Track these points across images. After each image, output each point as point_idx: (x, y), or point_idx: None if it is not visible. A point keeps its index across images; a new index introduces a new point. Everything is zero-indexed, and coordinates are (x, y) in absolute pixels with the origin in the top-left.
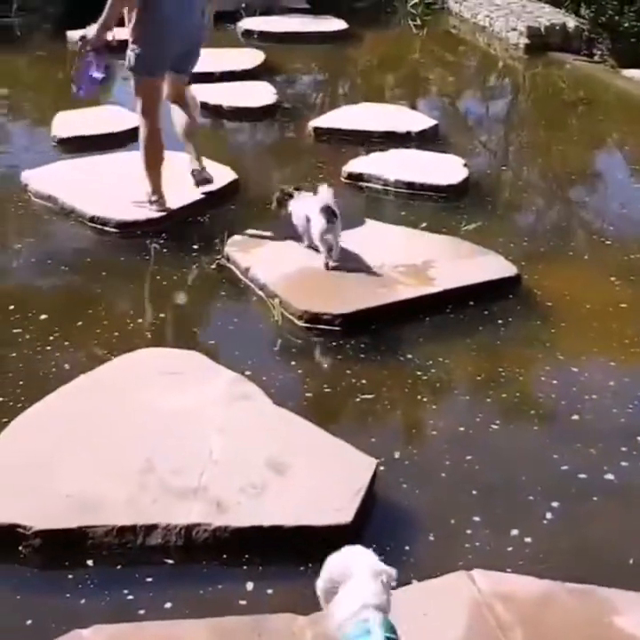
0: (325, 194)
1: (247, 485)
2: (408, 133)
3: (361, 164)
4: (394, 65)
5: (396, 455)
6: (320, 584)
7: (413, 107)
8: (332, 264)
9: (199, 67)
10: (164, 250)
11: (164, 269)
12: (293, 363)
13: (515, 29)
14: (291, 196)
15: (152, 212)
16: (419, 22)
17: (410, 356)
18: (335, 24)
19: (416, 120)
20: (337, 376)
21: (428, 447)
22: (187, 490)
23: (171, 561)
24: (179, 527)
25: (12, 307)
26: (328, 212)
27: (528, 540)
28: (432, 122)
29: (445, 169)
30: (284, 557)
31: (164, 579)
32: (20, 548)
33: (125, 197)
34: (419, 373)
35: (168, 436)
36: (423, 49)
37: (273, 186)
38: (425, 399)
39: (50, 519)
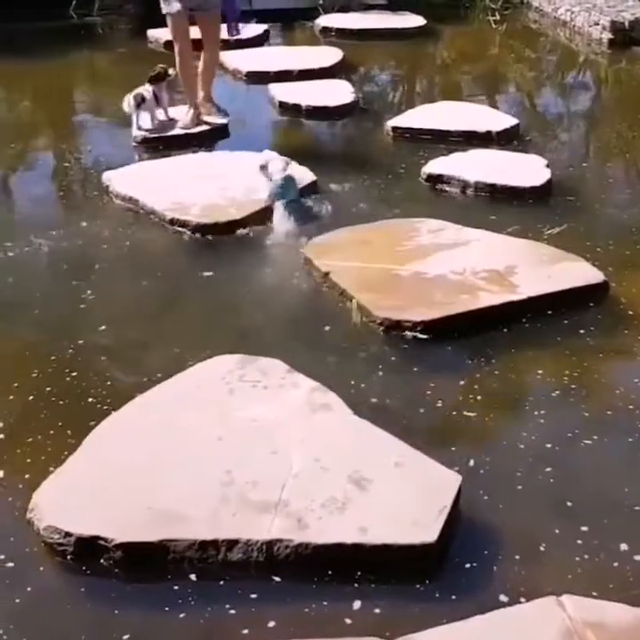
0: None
1: (328, 501)
2: (489, 133)
3: (440, 164)
4: (473, 61)
5: (481, 471)
6: (259, 162)
7: (493, 105)
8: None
9: (277, 64)
10: (243, 253)
11: (244, 274)
12: (374, 371)
13: (597, 24)
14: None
15: (231, 215)
16: (498, 17)
17: (495, 366)
18: (413, 20)
19: (497, 119)
20: (419, 386)
21: (515, 461)
22: (267, 504)
23: (277, 578)
24: (260, 542)
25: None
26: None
27: (637, 557)
28: (513, 121)
29: (528, 170)
30: (369, 576)
31: (268, 596)
32: (102, 560)
33: (203, 198)
34: (505, 384)
35: (248, 447)
36: (502, 45)
37: (351, 187)
38: (511, 412)
39: (131, 531)
